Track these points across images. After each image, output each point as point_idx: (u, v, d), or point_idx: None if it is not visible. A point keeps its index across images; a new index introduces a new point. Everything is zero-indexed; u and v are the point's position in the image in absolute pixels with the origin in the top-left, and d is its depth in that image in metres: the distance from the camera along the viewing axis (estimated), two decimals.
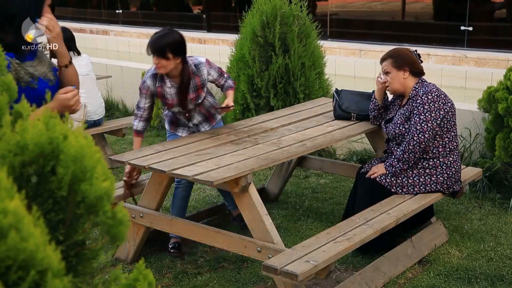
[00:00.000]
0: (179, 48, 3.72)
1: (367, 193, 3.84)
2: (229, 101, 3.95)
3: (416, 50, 3.96)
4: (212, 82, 3.99)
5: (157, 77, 3.84)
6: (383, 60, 3.90)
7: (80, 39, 6.16)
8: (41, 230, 0.98)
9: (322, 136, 3.85)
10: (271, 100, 5.65)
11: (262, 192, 4.57)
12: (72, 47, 5.52)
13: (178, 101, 3.86)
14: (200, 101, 3.94)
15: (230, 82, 4.05)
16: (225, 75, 4.03)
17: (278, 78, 5.59)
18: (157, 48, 3.67)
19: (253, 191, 3.29)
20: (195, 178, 3.10)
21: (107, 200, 1.13)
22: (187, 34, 10.91)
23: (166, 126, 4.17)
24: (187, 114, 3.98)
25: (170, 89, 3.85)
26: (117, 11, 12.97)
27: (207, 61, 3.94)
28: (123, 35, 12.13)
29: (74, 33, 5.74)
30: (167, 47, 3.65)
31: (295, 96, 5.57)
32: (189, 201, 4.77)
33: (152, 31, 11.52)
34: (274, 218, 4.26)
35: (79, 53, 5.65)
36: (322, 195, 4.99)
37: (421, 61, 3.91)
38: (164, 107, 4.09)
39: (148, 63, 7.11)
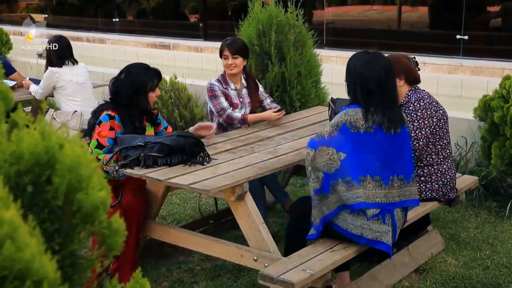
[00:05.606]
0: (248, 52, 4.30)
1: None
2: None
3: (414, 58, 3.96)
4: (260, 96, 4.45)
5: (222, 82, 4.25)
6: None
7: (76, 48, 6.15)
8: (37, 240, 0.98)
9: None
10: None
11: None
12: (67, 55, 5.52)
13: (250, 99, 4.29)
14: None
15: (273, 104, 4.49)
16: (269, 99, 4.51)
17: (274, 86, 5.59)
18: (238, 48, 4.19)
19: (249, 199, 3.28)
20: (191, 187, 3.10)
21: (103, 209, 1.13)
22: (183, 42, 10.98)
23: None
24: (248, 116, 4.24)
25: (234, 92, 4.29)
26: (113, 20, 12.99)
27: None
28: (120, 43, 12.15)
29: (71, 42, 5.75)
30: (244, 48, 4.23)
31: (291, 105, 5.57)
32: (185, 210, 4.76)
33: (148, 39, 11.62)
34: (270, 227, 4.25)
35: (76, 62, 5.66)
36: None
37: (418, 69, 3.92)
38: (223, 111, 4.20)
39: None
